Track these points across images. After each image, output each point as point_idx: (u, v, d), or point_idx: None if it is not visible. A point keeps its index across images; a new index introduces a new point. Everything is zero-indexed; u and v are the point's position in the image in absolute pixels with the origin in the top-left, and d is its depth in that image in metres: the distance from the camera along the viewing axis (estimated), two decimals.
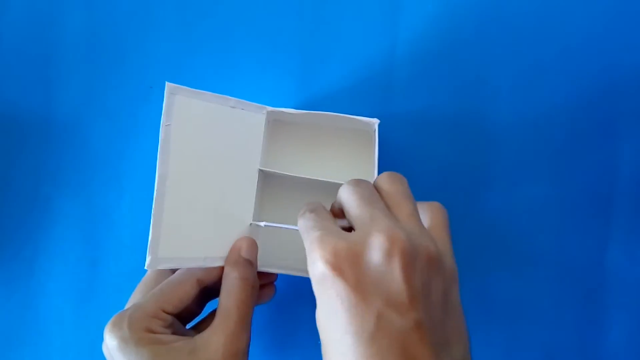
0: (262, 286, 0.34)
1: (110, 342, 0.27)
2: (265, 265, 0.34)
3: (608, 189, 0.36)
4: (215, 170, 0.31)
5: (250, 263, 0.32)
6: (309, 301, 0.38)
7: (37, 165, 0.40)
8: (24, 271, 0.40)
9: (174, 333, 0.29)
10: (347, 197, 0.26)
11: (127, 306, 0.31)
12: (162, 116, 0.29)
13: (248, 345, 0.30)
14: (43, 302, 0.40)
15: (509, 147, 0.37)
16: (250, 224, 0.34)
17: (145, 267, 0.28)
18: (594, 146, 0.37)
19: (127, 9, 0.40)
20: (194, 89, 0.30)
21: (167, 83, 0.29)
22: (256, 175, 0.34)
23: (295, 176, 0.33)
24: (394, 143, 0.33)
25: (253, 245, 0.32)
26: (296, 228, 0.28)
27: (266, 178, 0.35)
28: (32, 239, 0.40)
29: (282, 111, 0.34)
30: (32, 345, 0.40)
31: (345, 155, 0.36)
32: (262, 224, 0.33)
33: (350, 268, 0.22)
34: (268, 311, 0.38)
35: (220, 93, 0.31)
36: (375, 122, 0.33)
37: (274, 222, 0.33)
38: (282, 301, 0.37)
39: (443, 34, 0.37)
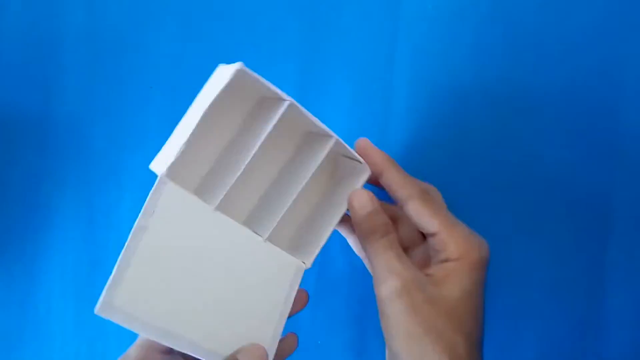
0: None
1: None
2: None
3: (608, 193, 0.36)
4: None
5: None
6: (310, 302, 0.38)
7: (37, 165, 0.40)
8: (24, 271, 0.40)
9: None
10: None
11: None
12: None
13: None
14: (43, 302, 0.40)
15: (513, 147, 0.37)
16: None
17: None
18: (596, 148, 0.37)
19: (127, 9, 0.39)
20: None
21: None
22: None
23: None
24: (395, 144, 0.33)
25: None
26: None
27: None
28: (32, 239, 0.40)
29: None
30: (32, 345, 0.40)
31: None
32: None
33: None
34: None
35: None
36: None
37: None
38: None
39: (444, 35, 0.37)
